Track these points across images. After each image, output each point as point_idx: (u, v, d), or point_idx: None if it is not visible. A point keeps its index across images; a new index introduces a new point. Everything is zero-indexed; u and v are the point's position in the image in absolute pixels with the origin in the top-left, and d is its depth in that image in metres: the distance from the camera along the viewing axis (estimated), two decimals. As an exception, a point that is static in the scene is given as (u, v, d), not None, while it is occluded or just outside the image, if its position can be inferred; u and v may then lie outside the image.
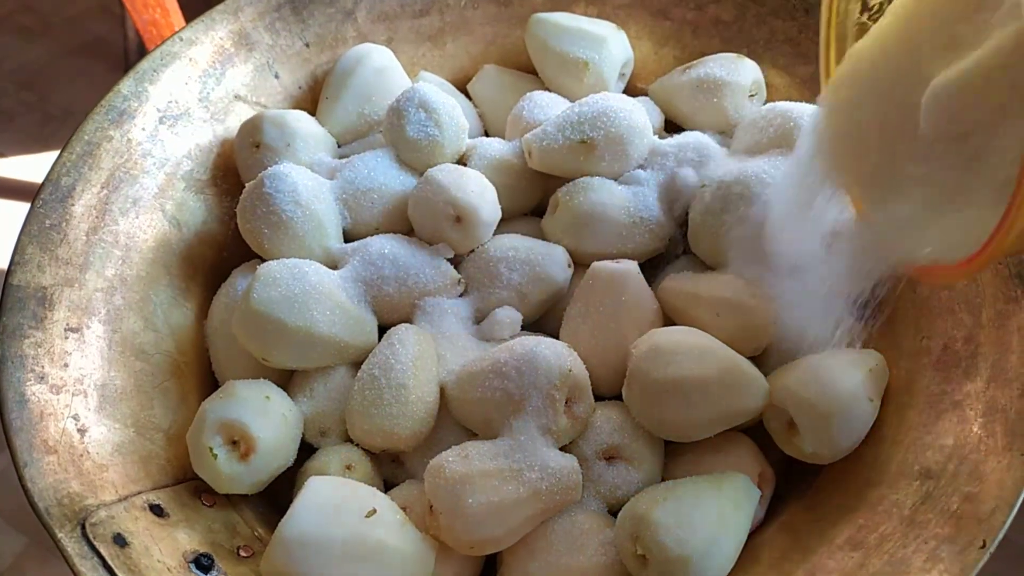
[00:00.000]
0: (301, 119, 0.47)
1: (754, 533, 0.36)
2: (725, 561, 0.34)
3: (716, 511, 0.34)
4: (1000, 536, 0.30)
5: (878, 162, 0.29)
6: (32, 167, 1.03)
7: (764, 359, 0.39)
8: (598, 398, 0.39)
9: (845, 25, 0.33)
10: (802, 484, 0.38)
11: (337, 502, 0.34)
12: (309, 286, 0.39)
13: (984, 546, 0.30)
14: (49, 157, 0.42)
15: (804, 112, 0.42)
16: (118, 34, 1.10)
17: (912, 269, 0.29)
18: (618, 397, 0.39)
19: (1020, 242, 0.23)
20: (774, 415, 0.37)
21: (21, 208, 1.01)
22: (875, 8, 0.32)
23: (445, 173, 0.43)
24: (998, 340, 0.35)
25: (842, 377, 0.36)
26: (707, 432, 0.37)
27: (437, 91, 0.46)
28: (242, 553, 0.36)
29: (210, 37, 0.47)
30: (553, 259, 0.42)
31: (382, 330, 0.41)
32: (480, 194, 0.42)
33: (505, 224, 0.44)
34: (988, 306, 0.37)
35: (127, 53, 1.07)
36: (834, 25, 0.32)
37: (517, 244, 0.43)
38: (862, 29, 0.32)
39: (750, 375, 0.37)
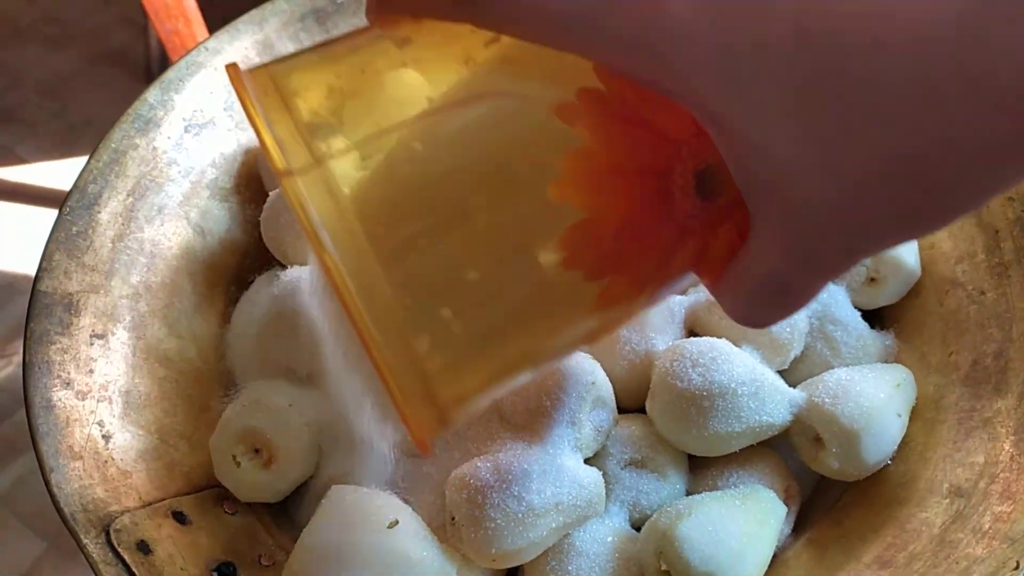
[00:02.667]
0: (325, 128, 0.47)
1: (780, 550, 0.36)
2: (750, 578, 0.33)
3: (741, 527, 0.33)
4: (1034, 557, 0.30)
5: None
6: (55, 174, 1.04)
7: (790, 373, 0.39)
8: (622, 411, 0.39)
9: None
10: (829, 500, 0.38)
11: (359, 512, 0.34)
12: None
13: (1018, 567, 0.29)
14: (71, 164, 0.42)
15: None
16: (141, 44, 1.12)
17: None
18: (642, 410, 0.39)
19: (443, 422, 0.22)
20: (800, 430, 0.37)
21: (44, 213, 1.03)
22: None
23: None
24: (1030, 356, 0.35)
25: (870, 392, 0.35)
26: (732, 446, 0.36)
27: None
28: (264, 562, 0.36)
29: (235, 47, 0.48)
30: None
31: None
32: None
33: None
34: (1019, 320, 0.37)
35: (149, 63, 1.08)
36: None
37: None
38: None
39: (776, 388, 0.36)
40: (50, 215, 0.40)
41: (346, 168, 0.21)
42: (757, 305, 0.22)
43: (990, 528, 0.31)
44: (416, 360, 0.21)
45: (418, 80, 0.22)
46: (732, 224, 0.22)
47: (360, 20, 0.51)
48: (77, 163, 0.42)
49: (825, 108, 0.17)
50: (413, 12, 0.22)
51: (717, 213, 0.22)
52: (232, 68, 0.22)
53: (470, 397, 0.23)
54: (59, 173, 1.04)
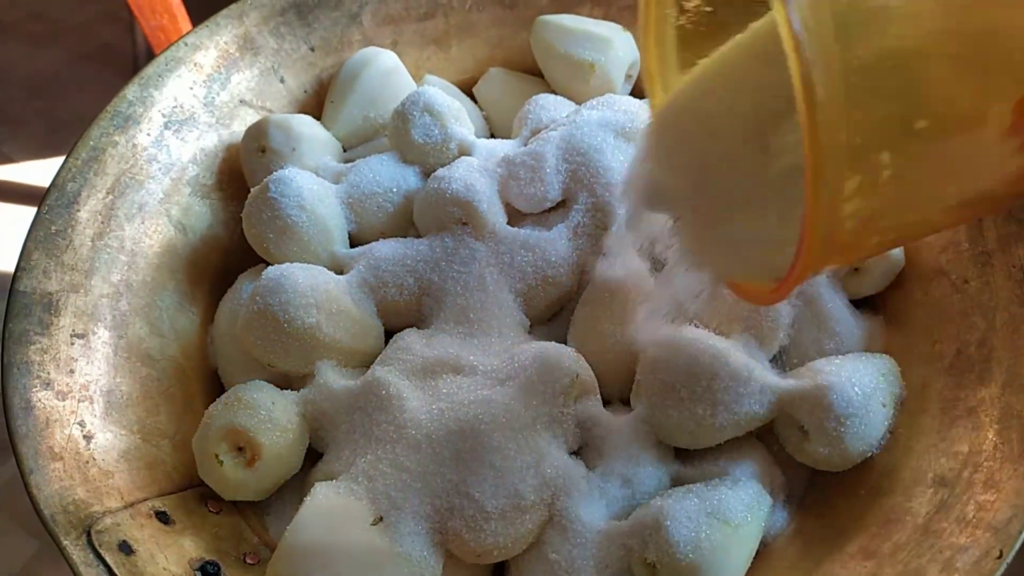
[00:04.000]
0: (306, 123, 0.46)
1: (765, 541, 0.36)
2: (736, 569, 0.33)
3: (727, 518, 0.33)
4: (1017, 546, 0.30)
5: (705, 189, 0.30)
6: (42, 173, 1.03)
7: (775, 363, 0.39)
8: (607, 402, 0.39)
9: (663, 29, 0.33)
10: (814, 492, 0.38)
11: (343, 509, 0.34)
12: (314, 291, 0.39)
13: (1001, 556, 0.29)
14: (58, 163, 0.42)
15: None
16: (127, 40, 1.11)
17: (731, 285, 0.31)
18: (627, 401, 0.39)
19: (821, 264, 0.25)
20: (785, 420, 0.37)
21: (31, 212, 1.02)
22: (692, 12, 0.32)
23: (450, 175, 0.42)
24: (1013, 344, 0.35)
25: (855, 382, 0.35)
26: (717, 438, 0.36)
27: (442, 94, 0.45)
28: (248, 560, 0.36)
29: (215, 42, 0.47)
30: (558, 258, 0.42)
31: (388, 335, 0.41)
32: (486, 196, 0.42)
33: (511, 223, 0.44)
34: (1002, 309, 0.37)
35: (136, 59, 1.08)
36: (653, 31, 0.33)
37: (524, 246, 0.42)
38: (681, 33, 0.33)
39: (761, 379, 0.36)
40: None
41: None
42: None
43: (974, 517, 0.31)
44: (841, 197, 0.22)
45: None
46: None
47: (339, 13, 0.50)
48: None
49: None
50: None
51: None
52: None
53: (861, 249, 0.26)
54: (46, 171, 1.03)
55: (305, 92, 0.50)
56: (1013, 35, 0.23)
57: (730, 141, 0.28)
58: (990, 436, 0.33)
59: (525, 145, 0.45)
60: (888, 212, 0.24)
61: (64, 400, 0.36)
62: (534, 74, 0.52)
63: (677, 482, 0.37)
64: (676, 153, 0.31)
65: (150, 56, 0.98)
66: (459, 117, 0.46)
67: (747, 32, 0.29)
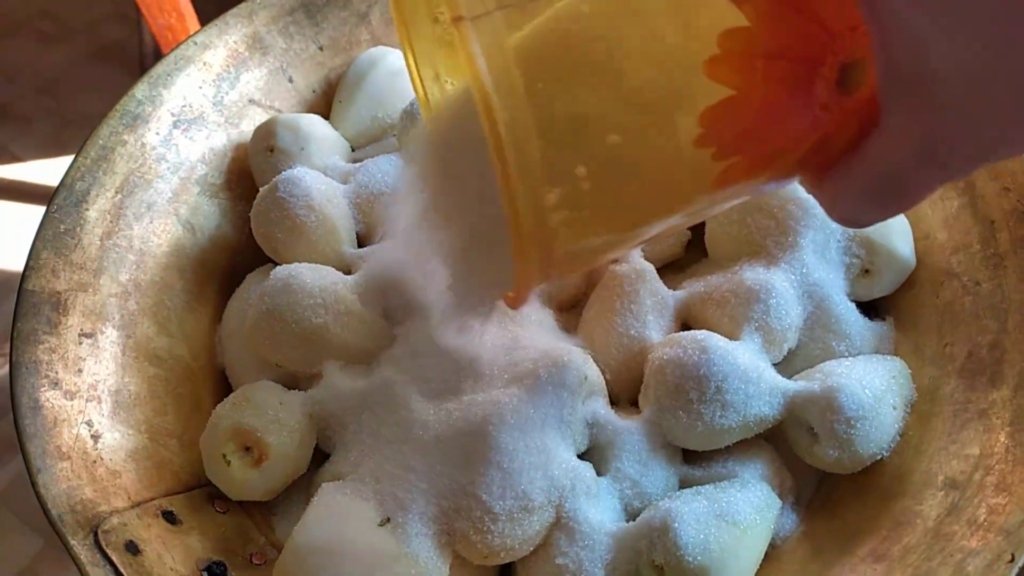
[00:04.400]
0: (315, 123, 0.46)
1: (774, 544, 0.36)
2: (744, 572, 0.33)
3: (735, 521, 0.33)
4: (1029, 550, 0.29)
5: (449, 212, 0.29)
6: (51, 171, 1.04)
7: (786, 365, 0.39)
8: (615, 403, 0.38)
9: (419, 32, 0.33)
10: (823, 494, 0.37)
11: (350, 510, 0.34)
12: (322, 291, 0.39)
13: (1013, 560, 0.29)
14: (67, 161, 0.42)
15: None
16: (135, 39, 1.11)
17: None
18: (635, 403, 0.38)
19: (544, 274, 0.25)
20: (794, 422, 0.36)
21: (40, 211, 1.02)
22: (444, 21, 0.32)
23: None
24: (1025, 347, 0.35)
25: (865, 384, 0.35)
26: (726, 440, 0.36)
27: (451, 94, 0.45)
28: (255, 560, 0.36)
29: (224, 41, 0.47)
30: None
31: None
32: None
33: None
34: (1014, 312, 0.36)
35: (143, 58, 1.08)
36: (408, 39, 0.32)
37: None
38: (442, 39, 0.32)
39: (771, 381, 0.36)
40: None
41: (514, 20, 0.22)
42: (867, 201, 0.23)
43: (985, 520, 0.31)
44: (542, 211, 0.23)
45: None
46: (857, 120, 0.23)
47: (348, 13, 0.50)
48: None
49: (1008, 11, 0.17)
50: None
51: (848, 108, 0.23)
52: None
53: (578, 258, 0.26)
54: (54, 170, 1.04)
55: (314, 92, 0.50)
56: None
57: (464, 170, 0.28)
58: (1001, 439, 0.33)
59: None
60: (599, 220, 0.25)
61: (72, 400, 0.36)
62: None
63: (685, 484, 0.37)
64: (431, 174, 0.30)
65: (158, 55, 0.98)
66: (467, 117, 0.46)
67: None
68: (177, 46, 0.46)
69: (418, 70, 0.33)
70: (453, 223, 0.29)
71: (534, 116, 0.22)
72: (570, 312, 0.43)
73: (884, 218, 0.24)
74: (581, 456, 0.36)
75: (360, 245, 0.44)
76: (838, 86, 0.23)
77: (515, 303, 0.26)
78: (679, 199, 0.25)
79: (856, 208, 0.24)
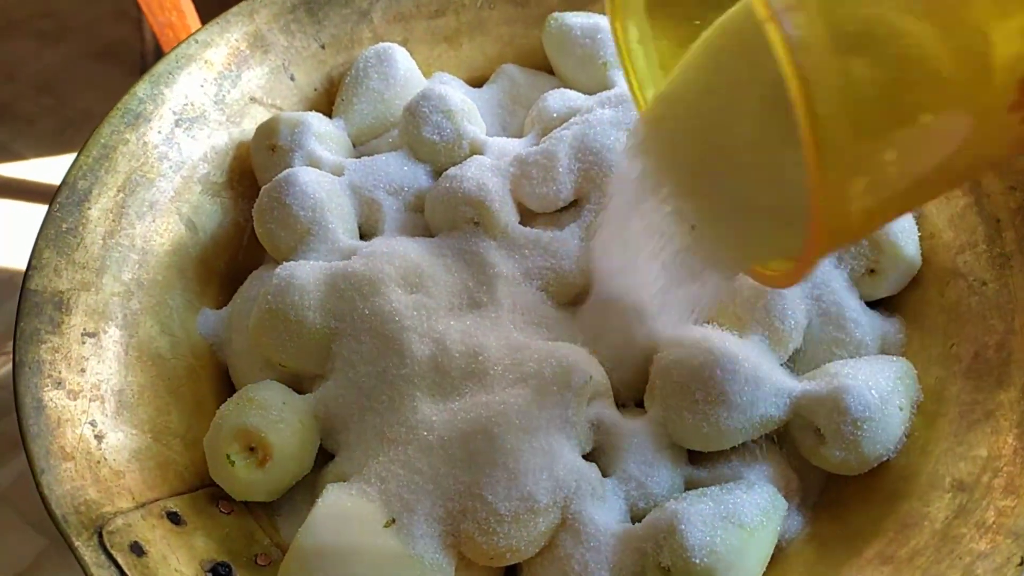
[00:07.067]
0: (317, 121, 0.46)
1: (781, 545, 0.36)
2: (751, 573, 0.33)
3: (742, 522, 0.33)
4: (1038, 552, 0.29)
5: (708, 181, 0.30)
6: (52, 170, 1.03)
7: (791, 365, 0.39)
8: (620, 404, 0.38)
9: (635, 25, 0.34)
10: (829, 495, 0.37)
11: (355, 511, 0.34)
12: (326, 289, 0.38)
13: (1022, 562, 0.29)
14: (68, 160, 0.41)
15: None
16: (135, 37, 1.11)
17: (750, 272, 0.31)
18: (641, 403, 0.38)
19: (833, 245, 0.26)
20: (800, 423, 0.36)
21: (41, 210, 1.02)
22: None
23: (462, 175, 0.42)
24: (1033, 347, 0.34)
25: (871, 385, 0.35)
26: (732, 441, 0.36)
27: (453, 91, 0.45)
28: (260, 562, 0.35)
29: (225, 39, 0.47)
30: (571, 258, 0.42)
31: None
32: (498, 196, 0.42)
33: (523, 223, 0.43)
34: (1021, 312, 0.36)
35: (144, 56, 1.07)
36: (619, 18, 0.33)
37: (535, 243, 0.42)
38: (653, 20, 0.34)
39: (777, 381, 0.36)
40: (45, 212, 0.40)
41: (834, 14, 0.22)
42: None
43: (994, 523, 0.31)
44: (848, 200, 0.23)
45: None
46: None
47: (349, 10, 0.50)
48: (73, 159, 0.42)
49: None
50: None
51: None
52: None
53: (865, 232, 0.29)
54: (56, 169, 1.03)
55: (315, 90, 0.50)
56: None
57: (734, 131, 0.28)
58: (1009, 440, 0.33)
59: (537, 143, 0.45)
60: (896, 198, 0.25)
61: (75, 399, 0.36)
62: (546, 73, 0.52)
63: (691, 485, 0.37)
64: (674, 147, 0.31)
65: (159, 54, 0.98)
66: (471, 115, 0.45)
67: (730, 19, 0.29)
68: (178, 44, 0.46)
69: (623, 29, 0.33)
70: (713, 193, 0.29)
71: (848, 112, 0.22)
72: (574, 311, 0.43)
73: None
74: (586, 457, 0.36)
75: (362, 238, 0.44)
76: None
77: (796, 278, 0.27)
78: (981, 162, 0.26)
79: None
